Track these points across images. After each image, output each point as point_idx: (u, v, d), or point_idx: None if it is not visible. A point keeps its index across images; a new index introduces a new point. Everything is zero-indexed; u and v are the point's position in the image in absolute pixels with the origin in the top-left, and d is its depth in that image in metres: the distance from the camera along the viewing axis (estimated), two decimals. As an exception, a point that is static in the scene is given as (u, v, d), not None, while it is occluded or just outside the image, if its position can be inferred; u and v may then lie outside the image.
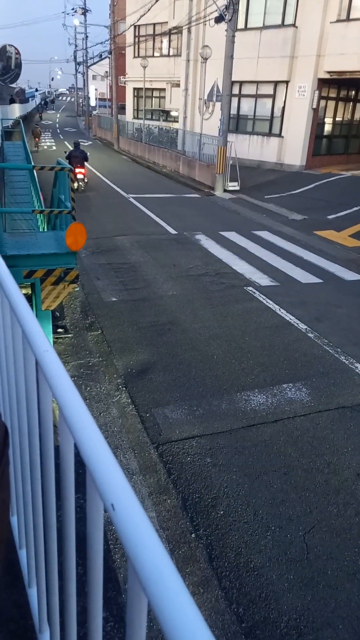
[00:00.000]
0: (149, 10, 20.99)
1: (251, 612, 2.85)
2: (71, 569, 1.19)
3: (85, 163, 15.83)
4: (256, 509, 3.59)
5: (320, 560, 3.21)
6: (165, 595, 0.60)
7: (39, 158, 21.14)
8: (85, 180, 15.99)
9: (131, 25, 27.17)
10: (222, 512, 3.55)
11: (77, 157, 15.28)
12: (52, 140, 31.90)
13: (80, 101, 59.02)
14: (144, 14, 21.76)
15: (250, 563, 3.16)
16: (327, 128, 21.14)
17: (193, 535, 3.35)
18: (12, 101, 25.11)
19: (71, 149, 17.08)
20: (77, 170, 14.90)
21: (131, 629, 0.74)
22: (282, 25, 18.89)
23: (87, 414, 0.93)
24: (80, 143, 17.56)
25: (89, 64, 48.29)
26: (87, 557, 0.94)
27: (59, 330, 6.14)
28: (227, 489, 3.78)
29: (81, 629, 1.23)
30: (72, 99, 79.74)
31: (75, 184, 14.00)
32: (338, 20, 17.46)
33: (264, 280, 8.46)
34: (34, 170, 9.87)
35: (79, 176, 15.16)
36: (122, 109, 33.97)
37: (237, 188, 16.80)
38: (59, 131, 38.65)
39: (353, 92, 21.72)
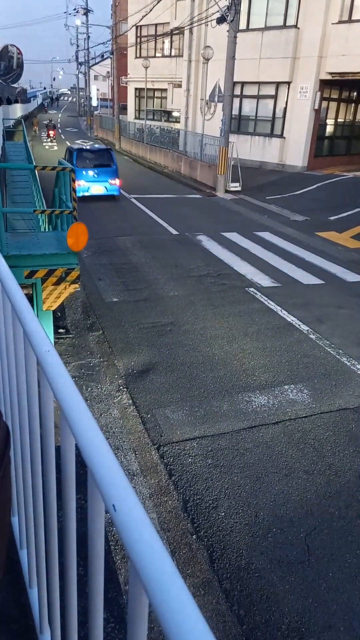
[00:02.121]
0: (150, 10, 21.00)
1: (252, 614, 2.85)
2: (72, 569, 1.19)
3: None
4: (257, 511, 3.59)
5: (321, 562, 3.20)
6: (167, 596, 0.60)
7: (40, 159, 21.17)
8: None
9: (133, 26, 27.18)
10: (223, 514, 3.55)
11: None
12: (54, 140, 31.91)
13: (82, 101, 59.10)
14: (146, 15, 21.78)
15: (251, 565, 3.16)
16: (329, 129, 21.15)
17: (194, 536, 3.35)
18: (9, 101, 24.95)
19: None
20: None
21: (132, 630, 0.73)
22: (284, 26, 18.89)
23: (88, 414, 0.93)
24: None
25: (90, 64, 48.37)
26: (88, 558, 0.94)
27: (60, 330, 6.14)
28: (228, 490, 3.77)
29: (82, 629, 1.23)
30: (74, 99, 79.88)
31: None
32: (340, 22, 17.47)
33: (265, 281, 8.45)
34: (36, 170, 9.88)
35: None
36: (123, 109, 33.99)
37: (239, 189, 16.81)
38: (60, 131, 38.67)
39: (355, 93, 21.72)
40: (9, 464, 1.10)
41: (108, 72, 47.18)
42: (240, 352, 5.94)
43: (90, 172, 13.75)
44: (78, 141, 24.99)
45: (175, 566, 0.63)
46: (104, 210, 13.38)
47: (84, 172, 13.53)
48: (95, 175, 13.77)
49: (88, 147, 15.27)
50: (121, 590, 2.43)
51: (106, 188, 14.01)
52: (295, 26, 18.55)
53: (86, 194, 13.44)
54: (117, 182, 13.92)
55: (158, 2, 20.23)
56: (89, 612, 0.98)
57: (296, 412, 4.80)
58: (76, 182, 11.56)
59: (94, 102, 45.23)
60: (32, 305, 3.39)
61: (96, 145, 17.31)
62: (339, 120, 21.47)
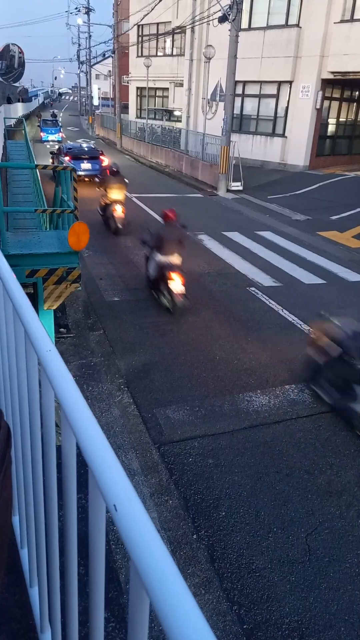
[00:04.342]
0: (152, 9, 20.99)
1: (253, 614, 2.85)
2: (73, 569, 1.19)
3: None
4: (258, 510, 3.59)
5: (322, 562, 3.20)
6: (167, 595, 0.60)
7: (41, 157, 21.17)
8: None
9: (134, 25, 27.17)
10: (223, 513, 3.55)
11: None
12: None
13: (83, 100, 59.10)
14: (148, 14, 21.77)
15: (252, 564, 3.16)
16: (331, 128, 21.12)
17: (195, 536, 3.35)
18: (9, 100, 25.04)
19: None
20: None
21: (133, 629, 0.73)
22: (286, 25, 18.87)
23: (89, 414, 0.93)
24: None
25: (92, 63, 48.34)
26: (89, 557, 0.94)
27: (61, 329, 6.14)
28: (229, 490, 3.77)
29: (82, 629, 1.23)
30: (75, 98, 79.94)
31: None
32: (342, 21, 17.44)
33: (266, 280, 8.45)
34: (37, 169, 9.88)
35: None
36: (125, 108, 33.98)
37: (240, 188, 16.79)
38: (61, 130, 38.62)
39: (357, 93, 21.68)
40: (10, 463, 1.10)
41: (109, 71, 47.18)
42: (241, 351, 5.94)
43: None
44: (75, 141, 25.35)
45: (175, 566, 0.63)
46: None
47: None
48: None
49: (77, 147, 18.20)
50: (122, 589, 2.44)
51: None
52: (297, 25, 18.53)
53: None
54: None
55: (160, 1, 20.22)
56: (90, 612, 0.98)
57: (297, 411, 4.80)
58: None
59: (96, 101, 45.23)
60: (33, 305, 3.40)
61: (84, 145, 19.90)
62: (340, 119, 21.44)
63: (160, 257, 7.06)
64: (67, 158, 15.37)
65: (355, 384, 4.47)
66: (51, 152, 18.55)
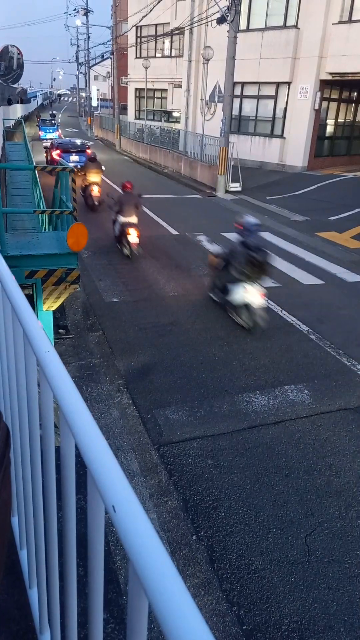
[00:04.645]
0: (151, 11, 21.01)
1: (252, 615, 2.85)
2: (72, 570, 1.19)
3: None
4: (257, 511, 3.59)
5: (321, 562, 3.20)
6: (166, 596, 0.60)
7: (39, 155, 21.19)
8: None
9: (133, 26, 27.20)
10: (223, 514, 3.55)
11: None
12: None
13: (82, 101, 59.12)
14: (146, 15, 21.78)
15: (251, 565, 3.16)
16: (329, 129, 21.15)
17: (194, 537, 3.35)
18: (9, 102, 25.31)
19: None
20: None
21: (132, 630, 0.73)
22: (284, 26, 18.90)
23: (88, 415, 0.93)
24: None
25: (90, 65, 48.35)
26: (88, 559, 0.94)
27: (60, 331, 6.14)
28: (228, 490, 3.77)
29: (82, 630, 1.23)
30: (74, 100, 79.96)
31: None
32: (340, 22, 17.48)
33: (265, 281, 8.44)
34: (36, 171, 9.88)
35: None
36: (123, 109, 34.01)
37: (239, 189, 16.81)
38: (59, 129, 38.64)
39: (355, 94, 21.73)
40: (9, 464, 1.10)
41: (108, 72, 47.18)
42: (240, 352, 5.94)
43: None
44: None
45: (175, 567, 0.63)
46: (103, 211, 13.39)
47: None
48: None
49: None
50: (121, 590, 2.44)
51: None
52: (296, 26, 18.56)
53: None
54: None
55: (158, 2, 20.24)
56: (89, 613, 0.98)
57: (296, 412, 4.80)
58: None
59: (94, 103, 45.22)
60: (32, 306, 3.39)
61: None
62: (339, 120, 21.48)
63: (121, 218, 9.30)
64: (57, 152, 17.73)
65: (229, 283, 6.56)
66: (45, 147, 20.90)
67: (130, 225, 9.11)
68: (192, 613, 0.58)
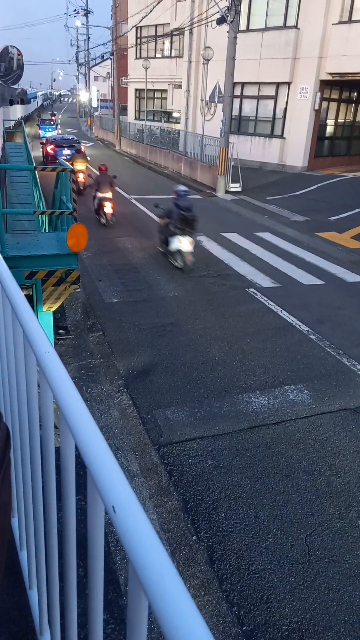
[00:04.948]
0: (151, 11, 21.01)
1: (252, 615, 2.84)
2: (72, 570, 1.19)
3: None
4: (257, 511, 3.59)
5: (321, 562, 3.20)
6: (166, 597, 0.60)
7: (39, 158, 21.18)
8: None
9: (133, 27, 27.20)
10: (223, 515, 3.55)
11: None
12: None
13: (82, 102, 59.13)
14: (146, 15, 21.78)
15: (251, 565, 3.16)
16: (329, 129, 21.15)
17: (194, 537, 3.35)
18: (11, 102, 25.66)
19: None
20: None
21: (132, 631, 0.73)
22: (284, 26, 18.90)
23: (88, 415, 0.93)
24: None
25: (90, 65, 48.38)
26: (88, 559, 0.94)
27: (60, 331, 6.14)
28: (228, 491, 3.77)
29: (82, 630, 1.23)
30: (74, 100, 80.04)
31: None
32: (340, 22, 17.48)
33: (265, 281, 8.45)
34: (36, 171, 9.88)
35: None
36: (123, 110, 34.02)
37: (239, 189, 16.81)
38: (57, 128, 38.66)
39: (355, 94, 21.73)
40: (9, 465, 1.10)
41: (108, 73, 47.21)
42: (240, 352, 5.94)
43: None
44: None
45: (175, 568, 0.63)
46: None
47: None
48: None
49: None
50: (121, 591, 2.43)
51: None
52: (296, 27, 18.56)
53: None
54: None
55: (158, 3, 20.24)
56: (89, 614, 0.98)
57: (296, 412, 4.80)
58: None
59: (94, 103, 45.28)
60: (32, 306, 3.39)
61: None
62: (339, 120, 21.47)
63: (98, 194, 11.68)
64: (51, 146, 20.45)
65: (169, 237, 8.74)
66: (41, 142, 23.81)
67: (106, 199, 11.51)
68: (192, 614, 0.58)
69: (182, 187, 9.19)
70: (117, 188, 12.97)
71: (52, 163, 19.26)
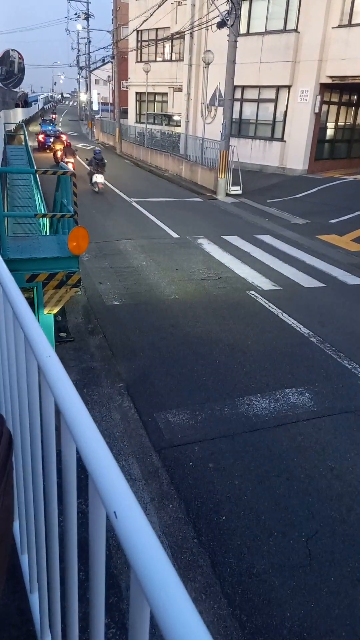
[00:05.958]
0: (151, 15, 21.09)
1: (254, 619, 2.84)
2: (73, 575, 1.19)
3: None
4: (259, 515, 3.58)
5: (323, 566, 3.19)
6: (167, 602, 0.60)
7: (43, 162, 21.22)
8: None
9: (134, 30, 27.27)
10: (224, 518, 3.54)
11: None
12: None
13: (83, 105, 59.28)
14: (147, 19, 21.86)
15: (252, 569, 3.15)
16: (330, 132, 21.19)
17: (195, 540, 3.34)
18: (17, 105, 26.42)
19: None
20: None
21: (133, 635, 0.73)
22: (285, 30, 18.96)
23: (89, 419, 0.93)
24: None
25: (91, 69, 48.51)
26: (89, 563, 0.94)
27: (61, 334, 6.14)
28: (229, 494, 3.77)
29: (83, 635, 1.23)
30: (75, 103, 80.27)
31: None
32: (340, 26, 17.53)
33: (266, 284, 8.46)
34: (37, 174, 9.91)
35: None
36: (124, 113, 34.08)
37: (240, 192, 16.83)
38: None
39: (355, 97, 21.77)
40: (12, 469, 1.10)
41: (109, 76, 47.37)
42: (241, 355, 5.94)
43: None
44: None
45: (176, 572, 0.63)
46: (105, 214, 13.42)
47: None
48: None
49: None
50: (122, 595, 2.43)
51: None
52: (296, 30, 18.62)
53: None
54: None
55: (159, 6, 20.31)
56: (90, 618, 0.98)
57: (297, 415, 4.79)
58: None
59: (95, 106, 45.39)
60: (33, 310, 3.40)
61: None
62: (339, 123, 21.52)
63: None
64: (41, 136, 26.95)
65: (91, 175, 16.17)
66: (36, 134, 28.74)
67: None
68: (193, 618, 0.58)
69: (97, 149, 16.85)
70: (116, 189, 17.21)
71: (42, 148, 26.45)
